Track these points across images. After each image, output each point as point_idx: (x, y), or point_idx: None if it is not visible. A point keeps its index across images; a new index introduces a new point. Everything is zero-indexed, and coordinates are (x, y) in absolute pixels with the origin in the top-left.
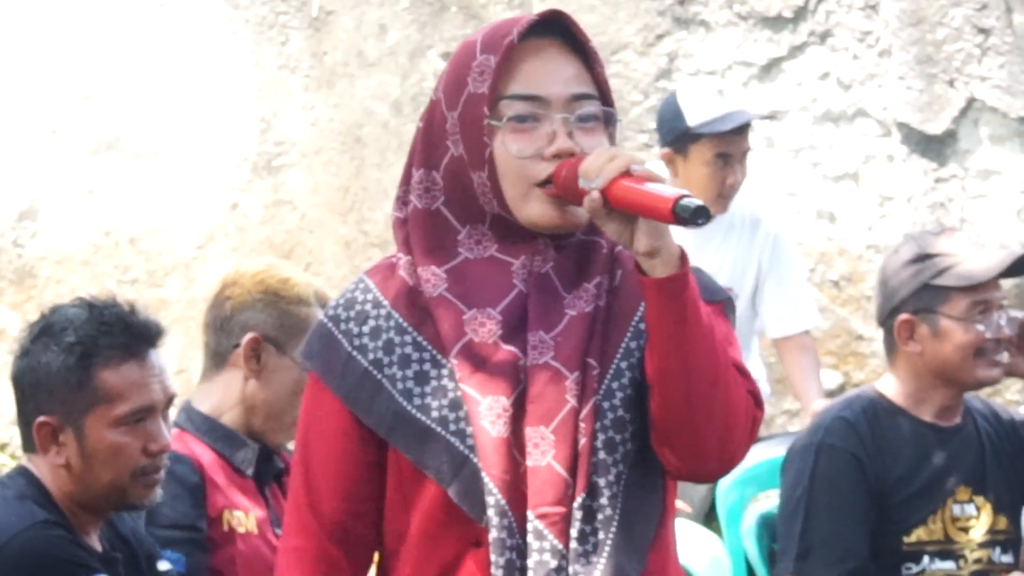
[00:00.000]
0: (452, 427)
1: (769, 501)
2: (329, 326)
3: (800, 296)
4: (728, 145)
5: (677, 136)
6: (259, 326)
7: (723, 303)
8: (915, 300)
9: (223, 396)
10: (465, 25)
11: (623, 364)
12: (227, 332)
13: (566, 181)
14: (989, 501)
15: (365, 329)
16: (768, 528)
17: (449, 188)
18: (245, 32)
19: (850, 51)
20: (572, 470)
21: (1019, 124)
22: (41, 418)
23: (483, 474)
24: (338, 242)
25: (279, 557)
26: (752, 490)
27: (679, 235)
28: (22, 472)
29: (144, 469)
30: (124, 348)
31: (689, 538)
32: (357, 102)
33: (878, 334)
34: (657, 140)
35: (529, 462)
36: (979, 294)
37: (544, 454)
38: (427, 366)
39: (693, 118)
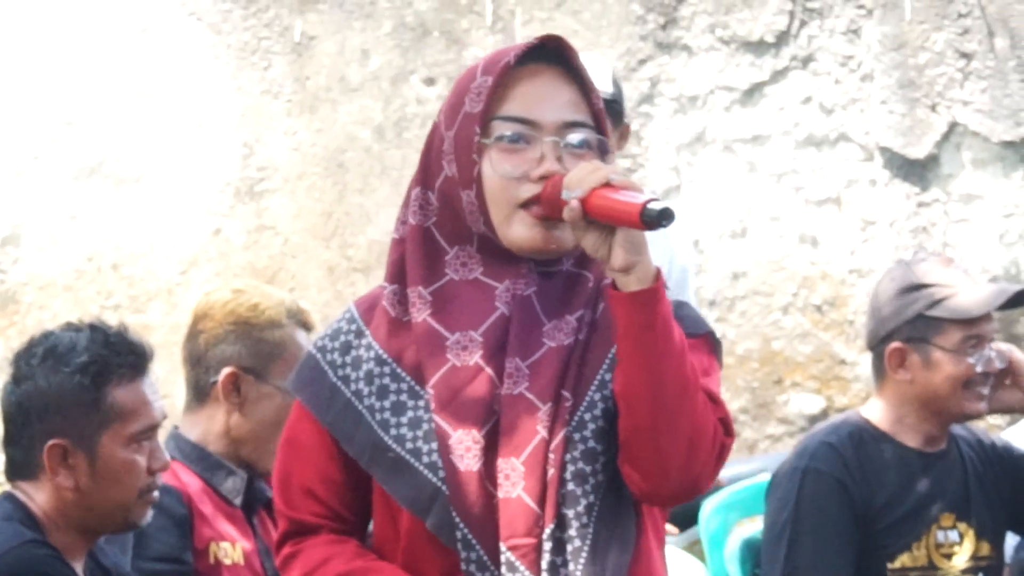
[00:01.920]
0: (425, 459)
1: (753, 526)
2: (316, 356)
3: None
4: None
5: None
6: (234, 358)
7: (705, 336)
8: (908, 329)
9: (207, 428)
10: (447, 50)
11: (596, 396)
12: (204, 367)
13: (550, 195)
14: (972, 527)
15: (348, 359)
16: (752, 553)
17: (441, 208)
18: (227, 57)
19: (832, 75)
20: (541, 501)
21: (1001, 148)
22: (53, 440)
23: (452, 508)
24: (321, 267)
25: (279, 565)
26: (735, 515)
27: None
28: (7, 498)
29: (148, 487)
30: (132, 367)
31: (672, 563)
32: (340, 127)
33: (861, 358)
34: None
35: (500, 494)
36: (972, 328)
37: (515, 486)
38: (404, 397)
39: None
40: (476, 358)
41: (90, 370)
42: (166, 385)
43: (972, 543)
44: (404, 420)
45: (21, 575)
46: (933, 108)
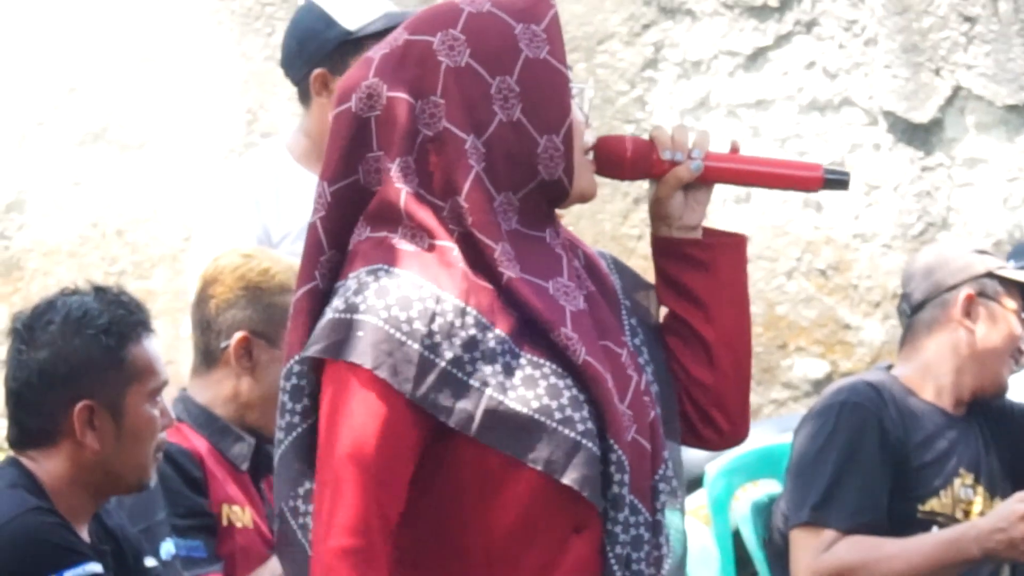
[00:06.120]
0: (558, 415)
1: (757, 490)
2: (387, 329)
3: None
4: None
5: (333, 49)
6: (246, 323)
7: None
8: (978, 283)
9: (215, 392)
10: None
11: (636, 341)
12: (215, 332)
13: (637, 154)
14: (986, 488)
15: (434, 327)
16: (760, 515)
17: (493, 155)
18: (231, 23)
19: (836, 40)
20: (650, 444)
21: (1005, 112)
22: (83, 402)
23: (615, 452)
24: None
25: (329, 558)
26: (740, 479)
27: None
28: (12, 463)
29: (159, 444)
30: (144, 326)
31: None
32: None
33: (865, 323)
34: (298, 69)
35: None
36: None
37: (628, 430)
38: (509, 358)
39: (352, 23)
40: (582, 303)
41: (113, 330)
42: (170, 351)
43: (984, 501)
44: (519, 381)
45: (26, 542)
46: (937, 72)
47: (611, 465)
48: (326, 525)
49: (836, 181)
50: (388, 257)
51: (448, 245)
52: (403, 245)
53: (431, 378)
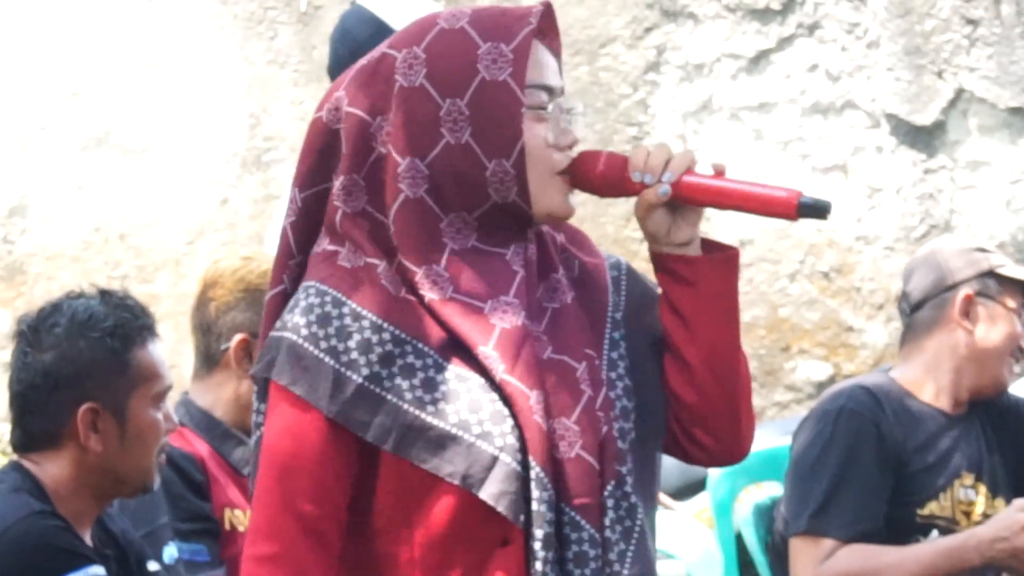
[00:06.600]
0: (476, 430)
1: (760, 492)
2: (306, 346)
3: None
4: None
5: None
6: (246, 325)
7: None
8: (978, 282)
9: (216, 395)
10: None
11: (614, 355)
12: (215, 335)
13: (609, 173)
14: (987, 487)
15: (351, 344)
16: (762, 518)
17: (438, 177)
18: (234, 27)
19: (838, 43)
20: (600, 460)
21: (1008, 115)
22: (87, 404)
23: (534, 470)
24: None
25: (248, 565)
26: (743, 481)
27: None
28: (15, 467)
29: (162, 447)
30: (149, 330)
31: (681, 531)
32: None
33: (868, 325)
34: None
35: (556, 455)
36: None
37: (572, 446)
38: (432, 372)
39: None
40: (521, 319)
41: (118, 333)
42: (173, 355)
43: (986, 501)
44: (439, 395)
45: (29, 546)
46: (939, 75)
47: (530, 482)
48: (250, 533)
49: (814, 208)
50: (323, 274)
51: (375, 262)
52: (343, 261)
53: (346, 394)
